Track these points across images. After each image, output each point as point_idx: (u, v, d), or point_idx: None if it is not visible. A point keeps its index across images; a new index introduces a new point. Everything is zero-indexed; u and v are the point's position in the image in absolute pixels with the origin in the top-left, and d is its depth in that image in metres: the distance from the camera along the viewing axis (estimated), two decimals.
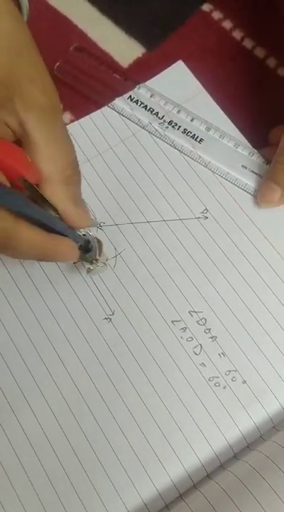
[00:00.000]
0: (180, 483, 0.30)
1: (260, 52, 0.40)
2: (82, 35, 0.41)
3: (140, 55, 0.41)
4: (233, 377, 0.32)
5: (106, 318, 0.33)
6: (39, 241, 0.27)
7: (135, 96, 0.38)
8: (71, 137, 0.37)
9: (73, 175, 0.28)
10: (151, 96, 0.38)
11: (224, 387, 0.32)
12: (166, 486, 0.30)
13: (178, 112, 0.38)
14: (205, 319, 0.33)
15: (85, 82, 0.39)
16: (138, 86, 0.38)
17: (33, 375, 0.32)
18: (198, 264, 0.34)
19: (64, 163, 0.28)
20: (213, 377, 0.32)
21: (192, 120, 0.37)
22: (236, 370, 0.32)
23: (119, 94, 0.38)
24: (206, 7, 0.42)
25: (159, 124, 0.37)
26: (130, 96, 0.38)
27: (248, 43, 0.41)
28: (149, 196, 0.36)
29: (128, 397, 0.32)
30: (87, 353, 0.33)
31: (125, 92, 0.38)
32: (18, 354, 0.33)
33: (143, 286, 0.34)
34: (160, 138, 0.37)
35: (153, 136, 0.37)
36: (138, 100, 0.38)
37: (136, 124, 0.38)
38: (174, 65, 0.39)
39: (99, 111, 0.38)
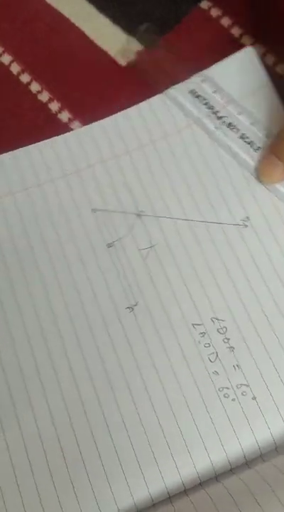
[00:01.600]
0: (172, 490, 0.30)
1: (259, 50, 0.40)
2: (80, 33, 0.41)
3: None
4: (244, 392, 0.32)
5: (128, 308, 0.33)
6: None
7: (197, 90, 0.37)
8: (126, 121, 0.37)
9: None
10: (214, 92, 0.37)
11: (233, 400, 0.31)
12: (159, 490, 0.30)
13: (239, 113, 0.37)
14: (226, 328, 0.33)
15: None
16: (201, 77, 0.37)
17: (50, 352, 0.33)
18: (229, 273, 0.34)
19: None
20: (223, 388, 0.32)
21: (252, 124, 0.36)
22: (248, 385, 0.32)
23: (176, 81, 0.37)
24: (204, 4, 0.41)
25: (217, 123, 0.36)
26: (193, 90, 0.37)
27: (247, 40, 0.40)
28: (194, 194, 0.35)
29: (135, 390, 0.31)
30: (103, 338, 0.33)
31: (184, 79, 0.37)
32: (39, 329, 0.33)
33: (170, 283, 0.34)
34: (214, 138, 0.36)
35: (208, 134, 0.37)
36: (199, 95, 0.37)
37: (194, 120, 0.37)
38: (242, 51, 0.38)
39: (158, 96, 0.38)
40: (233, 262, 0.34)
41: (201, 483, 0.30)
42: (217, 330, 0.33)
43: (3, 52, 0.41)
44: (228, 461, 0.30)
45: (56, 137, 0.37)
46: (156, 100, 0.38)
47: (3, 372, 0.32)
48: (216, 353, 0.32)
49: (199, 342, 0.33)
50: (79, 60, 0.40)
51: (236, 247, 0.34)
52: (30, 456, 0.31)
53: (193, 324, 0.33)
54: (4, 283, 0.34)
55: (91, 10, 0.42)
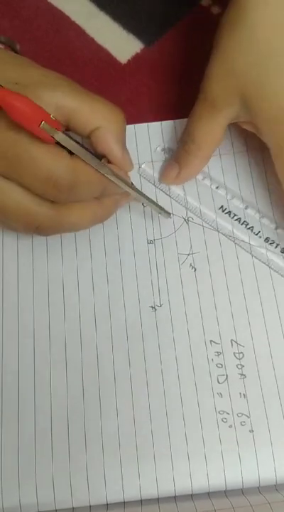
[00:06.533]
0: (147, 501, 0.30)
1: None
2: (80, 31, 0.40)
3: (139, 51, 0.40)
4: (243, 422, 0.31)
5: (151, 307, 0.33)
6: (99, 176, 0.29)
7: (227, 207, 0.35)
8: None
9: (123, 124, 0.30)
10: (246, 208, 0.35)
11: (230, 426, 0.31)
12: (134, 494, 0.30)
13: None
14: (243, 354, 0.32)
15: None
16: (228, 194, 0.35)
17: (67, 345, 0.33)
18: (262, 303, 0.33)
19: (115, 116, 0.29)
20: (224, 412, 0.31)
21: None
22: (249, 417, 0.31)
23: None
24: (204, 1, 0.41)
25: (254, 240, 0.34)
26: (222, 206, 0.35)
27: None
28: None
29: (138, 391, 0.32)
30: (120, 329, 0.33)
31: None
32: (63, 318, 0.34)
33: (199, 294, 0.33)
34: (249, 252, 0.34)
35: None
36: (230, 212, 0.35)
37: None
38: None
39: None
40: (270, 294, 0.33)
41: (176, 500, 0.30)
42: (234, 353, 0.32)
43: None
44: (208, 483, 0.30)
45: None
46: None
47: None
48: (227, 375, 0.32)
49: (212, 360, 0.32)
50: (79, 58, 0.40)
51: (277, 283, 0.33)
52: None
53: (211, 341, 0.32)
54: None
55: (92, 8, 0.41)
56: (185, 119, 0.34)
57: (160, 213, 0.33)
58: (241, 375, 0.32)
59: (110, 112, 0.29)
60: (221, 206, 0.35)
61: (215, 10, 0.41)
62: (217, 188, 0.35)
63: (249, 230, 0.34)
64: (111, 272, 0.34)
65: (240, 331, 0.33)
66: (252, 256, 0.34)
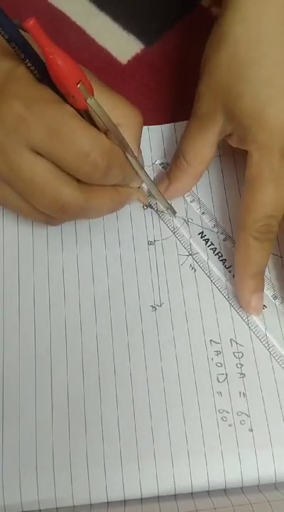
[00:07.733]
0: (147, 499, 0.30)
1: None
2: (80, 32, 0.40)
3: (139, 51, 0.40)
4: (243, 421, 0.31)
5: (152, 306, 0.33)
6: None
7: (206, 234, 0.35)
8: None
9: (141, 125, 0.31)
10: (224, 240, 0.35)
11: (230, 425, 0.31)
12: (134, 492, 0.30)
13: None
14: (242, 354, 0.32)
15: None
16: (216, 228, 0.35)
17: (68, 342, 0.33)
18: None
19: (135, 116, 0.30)
20: (223, 410, 0.31)
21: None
22: (248, 416, 0.31)
23: None
24: (204, 2, 0.41)
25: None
26: (202, 232, 0.35)
27: None
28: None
29: (138, 389, 0.32)
30: (121, 328, 0.33)
31: None
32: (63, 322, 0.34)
33: (199, 294, 0.33)
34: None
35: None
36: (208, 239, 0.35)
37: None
38: None
39: None
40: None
41: (176, 498, 0.30)
42: (233, 353, 0.32)
43: None
44: (208, 482, 0.30)
45: None
46: None
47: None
48: (226, 374, 0.32)
49: (212, 359, 0.32)
50: (80, 59, 0.39)
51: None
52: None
53: (211, 340, 0.33)
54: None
55: (92, 8, 0.41)
56: (185, 122, 0.34)
57: (167, 209, 0.34)
58: (241, 374, 0.32)
59: (130, 111, 0.30)
60: (201, 232, 0.35)
61: (215, 10, 0.41)
62: (203, 213, 0.35)
63: (221, 262, 0.34)
64: (111, 264, 0.34)
65: (239, 329, 0.33)
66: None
